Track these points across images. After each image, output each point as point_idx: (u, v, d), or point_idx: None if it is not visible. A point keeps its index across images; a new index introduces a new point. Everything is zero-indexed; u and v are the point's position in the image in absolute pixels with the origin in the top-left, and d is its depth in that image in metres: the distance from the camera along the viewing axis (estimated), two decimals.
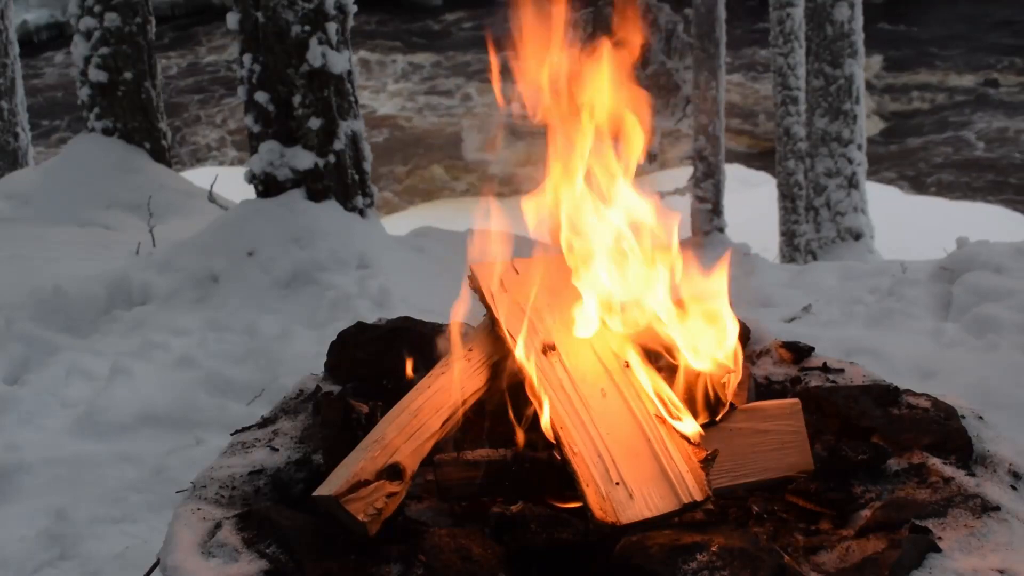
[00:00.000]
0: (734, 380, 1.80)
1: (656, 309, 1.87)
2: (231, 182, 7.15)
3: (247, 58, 5.26)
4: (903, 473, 1.76)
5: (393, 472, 1.62)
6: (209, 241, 5.24)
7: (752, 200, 12.66)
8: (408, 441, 1.68)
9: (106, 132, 7.54)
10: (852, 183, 9.94)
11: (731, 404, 1.79)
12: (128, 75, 7.47)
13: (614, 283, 1.90)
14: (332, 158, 5.33)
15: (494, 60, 2.00)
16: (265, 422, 2.09)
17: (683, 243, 1.96)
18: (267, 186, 5.35)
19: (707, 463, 1.64)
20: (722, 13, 11.56)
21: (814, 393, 1.99)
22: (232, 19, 5.29)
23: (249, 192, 5.51)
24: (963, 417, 1.91)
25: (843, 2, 9.61)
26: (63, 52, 18.33)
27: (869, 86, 14.15)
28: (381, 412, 1.79)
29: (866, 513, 1.65)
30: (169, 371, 3.90)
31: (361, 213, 5.48)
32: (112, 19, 7.35)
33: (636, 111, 1.94)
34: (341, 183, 5.39)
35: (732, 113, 14.74)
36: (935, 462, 1.77)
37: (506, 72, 1.99)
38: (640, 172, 1.99)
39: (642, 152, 1.95)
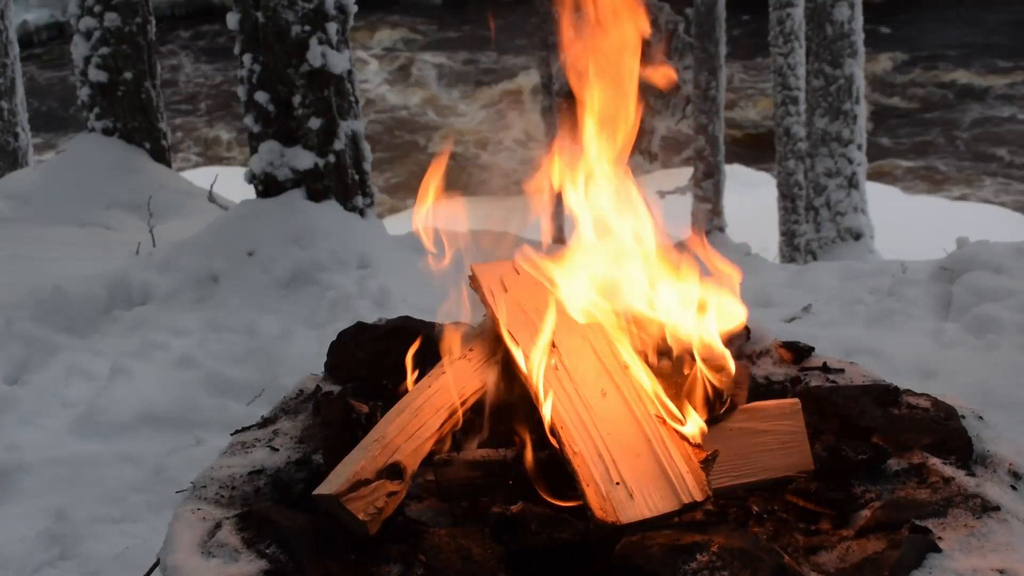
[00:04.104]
0: (733, 376, 1.81)
1: (656, 306, 1.87)
2: (231, 182, 7.15)
3: (247, 58, 5.26)
4: (903, 473, 1.76)
5: (393, 471, 1.62)
6: (209, 241, 5.25)
7: (752, 200, 12.66)
8: (408, 441, 1.68)
9: (106, 132, 7.54)
10: (852, 183, 9.94)
11: (732, 403, 1.79)
12: (128, 75, 7.48)
13: (612, 280, 1.90)
14: (332, 158, 5.33)
15: None
16: (265, 422, 2.09)
17: (684, 242, 1.96)
18: (267, 186, 5.35)
19: (707, 463, 1.64)
20: (722, 13, 11.56)
21: (814, 393, 1.99)
22: (232, 19, 5.29)
23: (249, 192, 5.51)
24: (963, 417, 1.91)
25: (843, 2, 9.61)
26: None
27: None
28: (381, 412, 1.79)
29: (866, 513, 1.65)
30: (169, 371, 3.90)
31: (361, 213, 5.48)
32: (112, 19, 7.35)
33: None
34: (341, 183, 5.39)
35: None
36: (935, 462, 1.77)
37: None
38: (640, 172, 1.99)
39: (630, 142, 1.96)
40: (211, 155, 16.40)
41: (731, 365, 1.81)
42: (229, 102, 17.77)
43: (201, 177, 8.77)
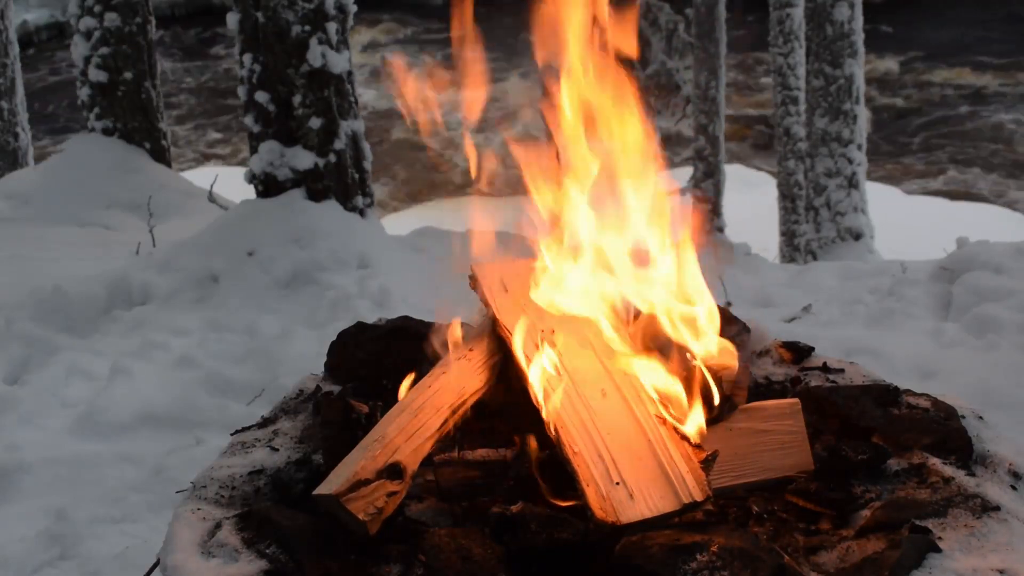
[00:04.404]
0: (729, 376, 1.80)
1: (654, 306, 1.87)
2: (231, 182, 7.15)
3: (247, 58, 5.26)
4: (903, 473, 1.76)
5: (393, 471, 1.62)
6: (209, 241, 5.25)
7: (752, 200, 12.66)
8: (408, 440, 1.68)
9: (106, 132, 7.54)
10: (852, 183, 9.94)
11: (732, 403, 1.79)
12: (128, 75, 7.48)
13: (610, 281, 1.90)
14: (332, 158, 5.33)
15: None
16: (265, 422, 2.09)
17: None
18: (267, 186, 5.35)
19: (707, 463, 1.64)
20: (722, 13, 11.57)
21: (814, 393, 1.99)
22: (232, 19, 5.29)
23: (249, 192, 5.51)
24: (963, 417, 1.91)
25: (843, 2, 9.61)
26: None
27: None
28: (381, 412, 1.79)
29: (866, 513, 1.65)
30: (169, 371, 3.90)
31: (361, 213, 5.48)
32: (112, 19, 7.35)
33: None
34: (341, 183, 5.39)
35: None
36: (935, 462, 1.77)
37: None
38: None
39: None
40: (194, 153, 16.41)
41: (734, 364, 1.81)
42: (212, 100, 17.79)
43: (201, 177, 8.77)
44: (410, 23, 21.15)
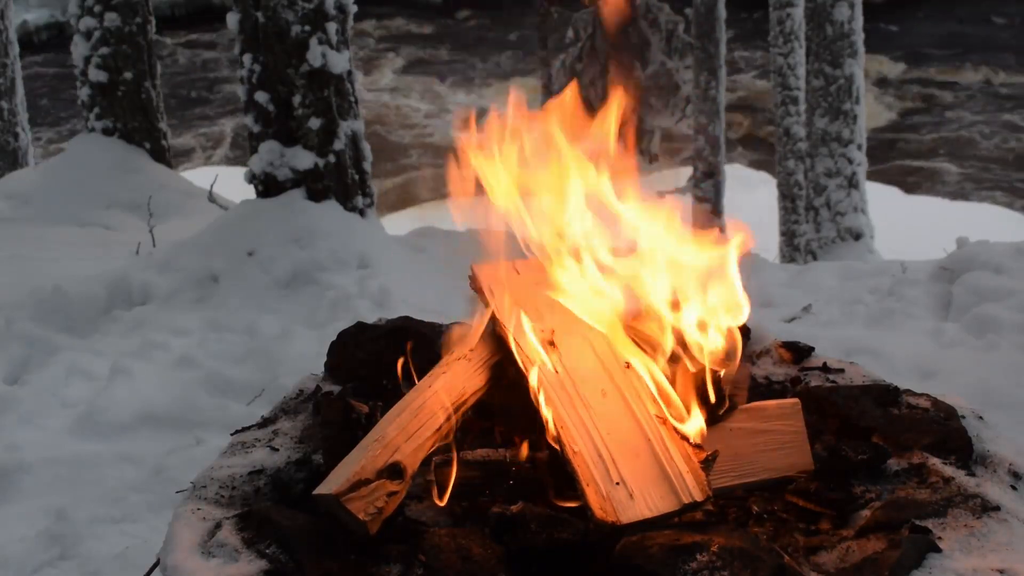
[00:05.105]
0: (730, 374, 1.80)
1: (655, 302, 1.87)
2: (231, 182, 7.15)
3: (247, 58, 5.26)
4: (903, 473, 1.76)
5: (394, 471, 1.62)
6: (209, 241, 5.25)
7: (752, 200, 12.67)
8: (409, 440, 1.68)
9: (106, 132, 7.54)
10: (852, 183, 9.94)
11: (732, 403, 1.79)
12: (128, 75, 7.47)
13: (611, 278, 1.90)
14: (332, 158, 5.33)
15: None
16: (265, 422, 2.10)
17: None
18: (267, 186, 5.35)
19: (707, 463, 1.64)
20: (722, 13, 11.56)
21: (814, 393, 1.99)
22: (232, 19, 5.29)
23: (249, 192, 5.51)
24: (963, 417, 1.91)
25: (843, 2, 9.61)
26: None
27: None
28: (381, 412, 1.79)
29: (866, 513, 1.65)
30: (169, 371, 3.90)
31: (361, 213, 5.48)
32: (112, 19, 7.35)
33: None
34: (341, 183, 5.39)
35: None
36: (935, 462, 1.77)
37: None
38: (640, 172, 1.99)
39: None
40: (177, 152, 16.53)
41: (735, 363, 1.81)
42: (191, 100, 17.86)
43: (201, 177, 8.76)
44: (405, 18, 21.19)
